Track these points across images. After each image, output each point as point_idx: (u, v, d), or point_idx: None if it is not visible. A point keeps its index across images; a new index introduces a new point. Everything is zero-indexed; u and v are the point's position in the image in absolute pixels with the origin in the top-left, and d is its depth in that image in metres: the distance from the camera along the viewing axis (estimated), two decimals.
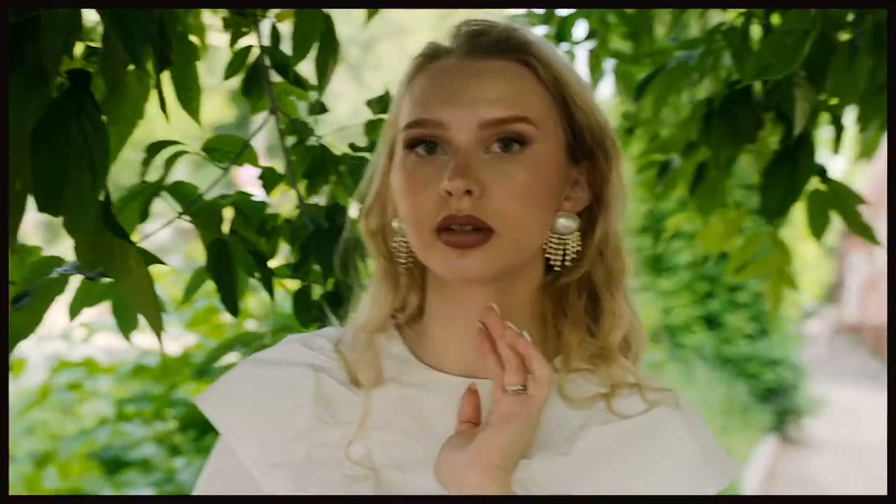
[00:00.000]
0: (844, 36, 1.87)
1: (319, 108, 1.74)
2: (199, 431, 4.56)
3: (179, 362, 4.47)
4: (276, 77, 1.78)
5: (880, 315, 28.28)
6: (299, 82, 1.77)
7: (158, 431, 4.40)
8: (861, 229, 2.12)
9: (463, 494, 1.16)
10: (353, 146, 1.76)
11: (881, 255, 27.39)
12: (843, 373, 20.38)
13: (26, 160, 0.92)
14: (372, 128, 1.80)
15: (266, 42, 1.74)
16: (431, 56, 1.26)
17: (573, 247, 1.26)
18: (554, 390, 1.25)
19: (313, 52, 1.70)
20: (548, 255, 1.26)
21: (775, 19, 2.07)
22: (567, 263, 1.26)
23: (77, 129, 0.99)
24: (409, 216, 1.21)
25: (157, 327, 1.05)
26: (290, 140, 1.79)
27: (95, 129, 1.00)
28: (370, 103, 1.79)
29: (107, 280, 1.73)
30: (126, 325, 1.77)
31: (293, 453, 1.24)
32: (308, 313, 1.77)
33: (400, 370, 1.29)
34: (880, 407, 16.29)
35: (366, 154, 1.76)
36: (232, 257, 1.65)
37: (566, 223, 1.25)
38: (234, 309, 1.66)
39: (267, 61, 1.75)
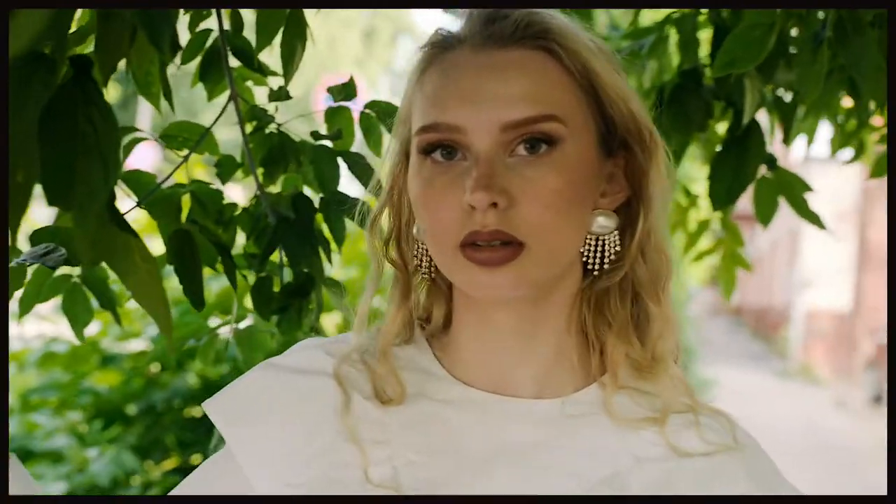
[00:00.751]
0: (792, 28, 1.90)
1: (284, 95, 1.69)
2: (107, 421, 4.45)
3: (88, 349, 4.33)
4: (233, 62, 1.73)
5: (759, 297, 29.00)
6: (261, 69, 1.71)
7: (70, 422, 4.25)
8: (810, 217, 2.14)
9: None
10: (315, 134, 1.71)
11: (760, 239, 28.05)
12: (726, 354, 20.85)
13: (30, 151, 0.88)
14: (332, 115, 1.75)
15: (226, 26, 1.68)
16: (442, 46, 1.14)
17: (612, 246, 1.15)
18: (601, 410, 1.16)
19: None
20: (585, 258, 1.15)
21: (725, 12, 2.07)
22: (606, 266, 1.16)
23: (85, 120, 0.94)
24: (430, 230, 1.10)
25: (167, 326, 1.00)
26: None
27: (104, 118, 0.95)
28: (332, 90, 1.74)
29: (61, 272, 1.67)
30: (78, 321, 1.69)
31: (310, 471, 1.14)
32: (268, 306, 1.72)
33: (428, 384, 1.18)
34: (764, 387, 16.73)
35: (327, 142, 1.72)
36: (195, 248, 1.59)
37: (604, 222, 1.14)
38: (198, 301, 1.61)
39: (226, 46, 1.69)
